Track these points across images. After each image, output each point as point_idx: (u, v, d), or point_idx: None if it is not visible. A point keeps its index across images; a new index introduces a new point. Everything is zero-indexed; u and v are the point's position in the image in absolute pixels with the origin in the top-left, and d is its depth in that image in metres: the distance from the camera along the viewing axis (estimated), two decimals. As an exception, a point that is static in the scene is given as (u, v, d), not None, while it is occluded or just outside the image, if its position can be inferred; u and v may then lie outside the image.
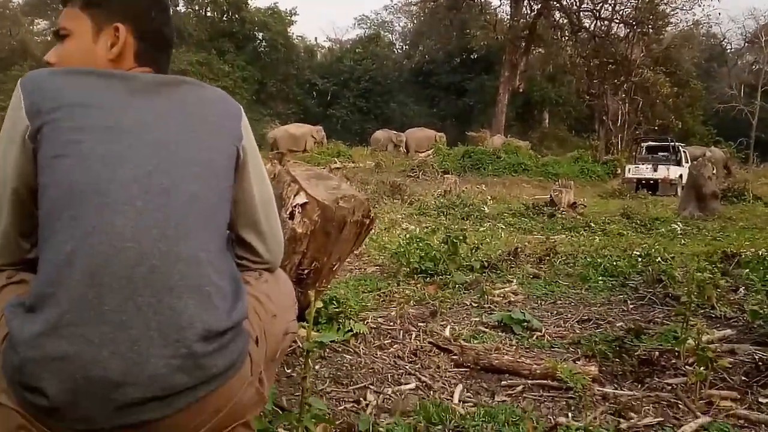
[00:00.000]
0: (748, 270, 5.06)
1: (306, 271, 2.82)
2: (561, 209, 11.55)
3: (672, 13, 39.09)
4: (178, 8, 48.14)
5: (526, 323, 3.79)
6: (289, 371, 2.60)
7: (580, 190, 19.32)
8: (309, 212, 2.74)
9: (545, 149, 36.42)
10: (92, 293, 1.36)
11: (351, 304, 3.16)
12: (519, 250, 6.30)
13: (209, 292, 1.48)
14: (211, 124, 1.62)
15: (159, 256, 1.42)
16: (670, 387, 2.80)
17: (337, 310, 3.07)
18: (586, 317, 4.08)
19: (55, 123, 1.44)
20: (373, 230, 2.93)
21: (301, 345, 2.41)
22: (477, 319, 4.02)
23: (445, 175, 20.38)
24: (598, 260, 5.69)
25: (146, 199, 1.44)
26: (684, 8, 38.59)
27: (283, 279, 1.95)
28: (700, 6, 38.28)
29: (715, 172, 14.45)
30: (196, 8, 49.20)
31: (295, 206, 2.73)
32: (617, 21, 39.83)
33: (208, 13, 49.47)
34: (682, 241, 8.17)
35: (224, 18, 49.52)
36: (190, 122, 1.58)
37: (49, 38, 46.59)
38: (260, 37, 49.85)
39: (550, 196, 12.29)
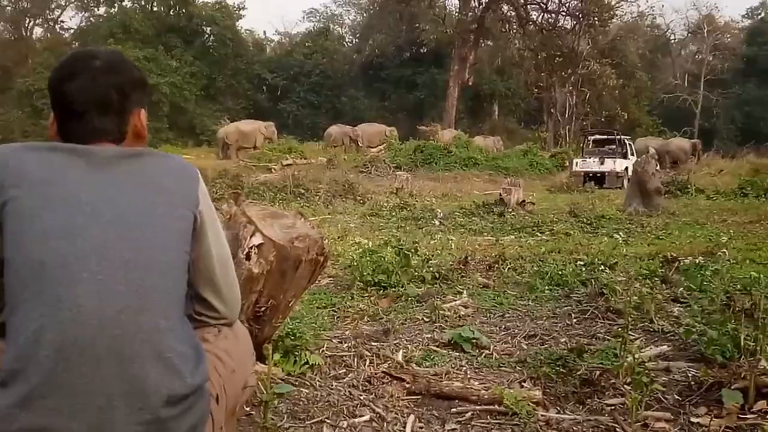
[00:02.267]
0: (685, 278, 5.30)
1: (263, 309, 2.93)
2: (510, 209, 11.77)
3: (617, 5, 39.98)
4: (123, 3, 47.24)
5: (475, 341, 3.94)
6: (248, 409, 2.69)
7: (529, 183, 19.65)
8: (265, 253, 2.84)
9: (495, 141, 36.82)
10: (59, 367, 1.45)
11: (306, 338, 3.26)
12: (469, 258, 6.47)
13: (171, 358, 1.58)
14: (168, 193, 1.69)
15: (121, 326, 1.50)
16: (609, 408, 2.98)
17: (293, 342, 3.18)
18: (532, 332, 4.26)
19: (18, 200, 1.52)
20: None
21: (260, 387, 2.51)
22: (429, 336, 4.16)
23: (397, 172, 20.55)
24: (545, 269, 5.89)
25: (106, 272, 1.52)
26: (628, 0, 39.49)
27: (242, 332, 2.04)
28: (644, -3, 39.18)
29: (658, 168, 14.88)
30: (142, 3, 48.27)
31: (251, 247, 2.83)
32: (564, 13, 40.59)
33: (155, 8, 48.57)
34: (627, 242, 8.45)
35: (171, 12, 48.69)
36: (148, 192, 1.65)
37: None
38: (208, 32, 49.23)
39: (500, 194, 12.49)
